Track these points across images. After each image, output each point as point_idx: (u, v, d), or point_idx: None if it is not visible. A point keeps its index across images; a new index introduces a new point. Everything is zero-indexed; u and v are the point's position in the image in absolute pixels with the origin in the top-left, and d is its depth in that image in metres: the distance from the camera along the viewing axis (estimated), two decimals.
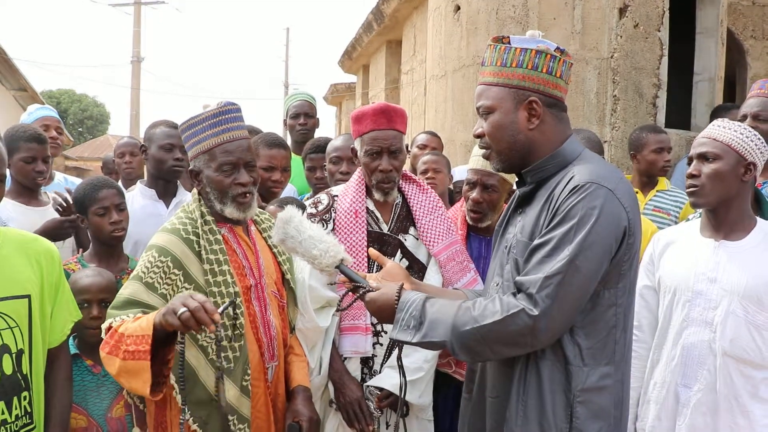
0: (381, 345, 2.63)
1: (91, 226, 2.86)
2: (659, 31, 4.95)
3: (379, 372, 2.61)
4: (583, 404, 1.79)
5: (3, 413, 1.96)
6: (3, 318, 1.98)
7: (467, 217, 2.98)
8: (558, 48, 1.90)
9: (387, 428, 2.63)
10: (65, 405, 2.22)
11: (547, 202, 1.83)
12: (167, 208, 3.44)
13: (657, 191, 3.93)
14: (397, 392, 2.51)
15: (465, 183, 3.01)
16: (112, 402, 2.50)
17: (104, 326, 2.14)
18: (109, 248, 2.88)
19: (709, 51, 5.35)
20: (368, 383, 2.59)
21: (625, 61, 4.92)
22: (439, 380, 2.74)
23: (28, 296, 2.06)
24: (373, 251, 2.19)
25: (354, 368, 2.61)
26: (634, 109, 4.94)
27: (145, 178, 3.62)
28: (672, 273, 2.52)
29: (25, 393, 2.03)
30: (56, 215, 3.14)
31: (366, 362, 2.62)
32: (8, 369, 1.98)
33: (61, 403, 2.20)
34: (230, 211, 2.33)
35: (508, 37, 1.91)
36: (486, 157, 2.00)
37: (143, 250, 3.14)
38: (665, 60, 4.98)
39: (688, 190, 2.49)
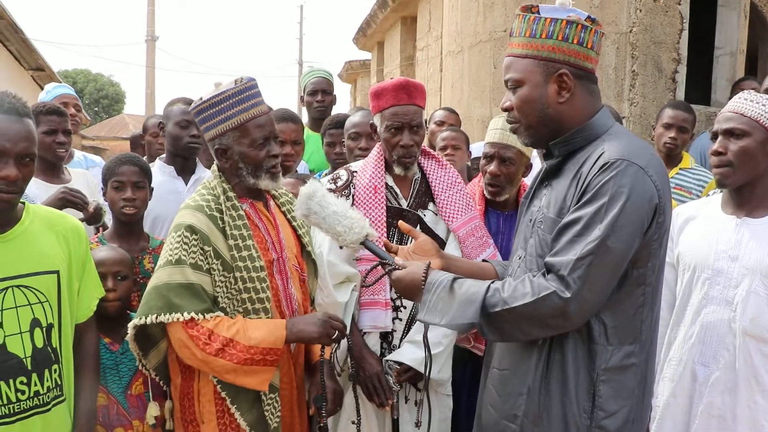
0: (400, 320, 2.64)
1: (107, 199, 2.88)
2: (680, 4, 4.89)
3: (399, 347, 2.63)
4: (607, 383, 1.78)
5: (36, 384, 2.02)
6: (34, 293, 2.03)
7: (485, 191, 2.97)
8: (589, 17, 1.83)
9: (406, 403, 2.65)
10: (93, 378, 2.28)
11: (575, 178, 1.79)
12: (186, 185, 3.47)
13: (680, 169, 3.84)
14: (416, 367, 2.54)
15: (482, 157, 2.99)
16: (131, 379, 2.51)
17: (174, 318, 2.16)
18: (128, 227, 2.88)
19: (731, 24, 5.27)
20: (387, 358, 2.60)
21: (644, 36, 4.86)
22: (458, 355, 2.76)
23: (57, 272, 2.10)
24: (404, 224, 2.17)
25: (373, 343, 2.62)
26: (653, 85, 4.89)
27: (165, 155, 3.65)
28: (691, 250, 2.48)
29: (56, 366, 2.08)
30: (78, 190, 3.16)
31: (385, 337, 2.64)
32: (39, 342, 2.03)
33: (89, 376, 2.26)
34: (265, 183, 2.36)
35: (537, 6, 1.85)
36: (514, 131, 1.96)
37: (162, 226, 3.18)
38: (685, 34, 4.91)
39: (714, 168, 2.42)
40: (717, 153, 2.39)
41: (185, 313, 2.16)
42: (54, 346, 2.08)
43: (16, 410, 1.97)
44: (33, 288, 2.03)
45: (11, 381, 1.96)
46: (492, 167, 2.89)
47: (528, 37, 1.84)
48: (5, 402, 1.95)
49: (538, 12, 1.84)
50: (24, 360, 2.00)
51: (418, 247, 2.08)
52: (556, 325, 1.74)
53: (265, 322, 2.25)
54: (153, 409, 2.47)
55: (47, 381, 2.05)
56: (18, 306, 1.99)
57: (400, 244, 2.61)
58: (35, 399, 2.01)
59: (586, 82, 1.86)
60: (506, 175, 2.89)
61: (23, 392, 1.98)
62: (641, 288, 1.79)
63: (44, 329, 2.05)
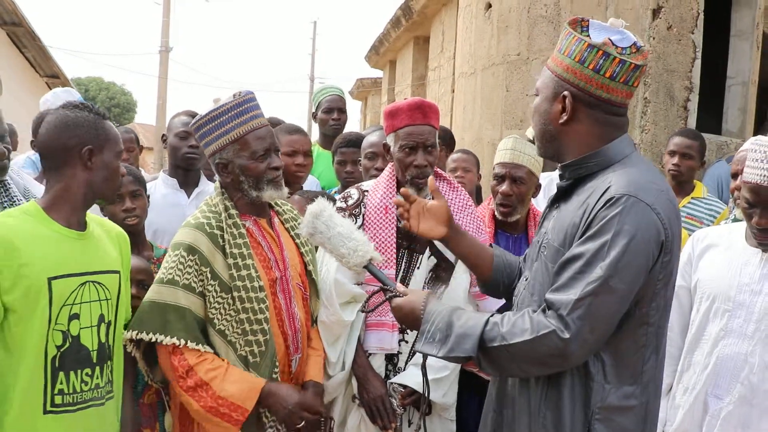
0: (406, 342, 2.61)
1: (107, 213, 2.85)
2: (693, 33, 4.90)
3: (404, 369, 2.61)
4: (602, 422, 1.72)
5: (97, 377, 2.09)
6: (103, 289, 2.12)
7: (496, 212, 2.98)
8: (635, 45, 1.74)
9: (409, 426, 2.62)
10: (132, 382, 2.36)
11: (581, 207, 1.74)
12: (188, 197, 3.47)
13: (692, 198, 3.83)
14: (420, 390, 2.51)
15: (492, 178, 3.00)
16: (144, 388, 2.52)
17: (163, 340, 2.17)
18: (131, 237, 2.76)
19: (744, 54, 5.28)
20: (392, 380, 2.58)
21: (657, 64, 4.86)
22: (464, 380, 2.72)
23: (118, 272, 2.20)
24: (431, 182, 2.12)
25: (378, 364, 2.60)
26: (664, 112, 4.89)
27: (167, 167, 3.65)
28: (712, 280, 2.45)
29: (109, 362, 2.15)
30: None
31: (390, 359, 2.62)
32: (103, 337, 2.12)
33: (129, 379, 2.33)
34: (269, 194, 2.33)
35: (588, 20, 1.78)
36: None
37: (163, 238, 3.17)
38: (698, 63, 4.91)
39: (760, 228, 2.29)
40: None
41: (168, 337, 2.17)
42: (110, 343, 2.15)
43: (78, 400, 2.04)
44: (103, 285, 2.12)
45: (79, 371, 2.04)
46: (504, 187, 2.91)
47: (558, 50, 1.81)
48: (71, 391, 2.02)
49: (588, 27, 1.77)
50: (91, 353, 2.07)
51: (432, 208, 2.06)
52: (555, 364, 1.69)
53: (244, 379, 2.22)
54: (169, 420, 2.47)
55: (105, 376, 2.12)
56: (91, 300, 2.07)
57: (409, 267, 2.62)
58: (95, 391, 2.08)
59: (597, 110, 1.77)
60: (518, 195, 2.90)
61: (86, 383, 2.06)
62: (643, 327, 1.73)
63: (106, 325, 2.13)
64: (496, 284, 2.16)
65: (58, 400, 1.99)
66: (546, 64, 1.86)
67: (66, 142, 2.03)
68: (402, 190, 2.11)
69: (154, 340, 2.18)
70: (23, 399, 1.94)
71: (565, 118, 1.78)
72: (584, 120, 1.79)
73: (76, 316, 2.03)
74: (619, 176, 1.72)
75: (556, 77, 1.80)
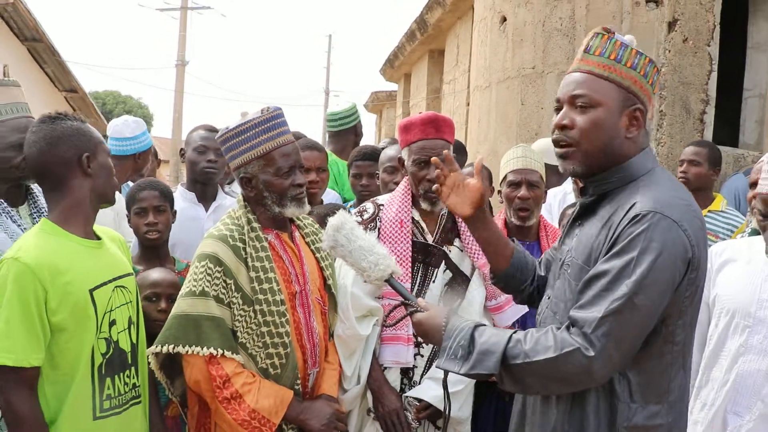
0: (422, 356, 2.61)
1: (132, 225, 2.93)
2: (709, 45, 4.88)
3: (419, 383, 2.60)
4: None
5: (133, 377, 2.18)
6: (128, 293, 2.19)
7: (515, 218, 3.05)
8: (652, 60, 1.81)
9: None
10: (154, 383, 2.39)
11: (606, 225, 1.72)
12: (206, 211, 3.49)
13: (709, 211, 3.80)
14: (436, 404, 2.51)
15: (506, 186, 3.08)
16: (168, 401, 2.55)
17: (199, 352, 2.17)
18: (154, 251, 2.91)
19: (761, 66, 5.24)
20: (407, 394, 2.58)
21: (673, 76, 4.85)
22: (481, 390, 2.72)
23: (132, 274, 2.27)
24: (478, 163, 2.07)
25: (393, 378, 2.59)
26: (680, 125, 4.87)
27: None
28: (731, 295, 2.42)
29: (138, 361, 2.22)
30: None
31: (406, 373, 2.61)
32: (134, 338, 2.20)
33: (154, 378, 2.37)
34: (291, 211, 2.36)
35: (614, 32, 1.79)
36: (564, 155, 1.82)
37: (181, 252, 3.20)
38: (714, 75, 4.89)
39: None
40: None
41: (205, 348, 2.18)
42: (137, 343, 2.22)
43: (123, 402, 2.12)
44: (127, 288, 2.19)
45: (121, 374, 2.12)
46: (522, 192, 3.01)
47: (613, 59, 1.76)
48: (116, 394, 2.10)
49: (613, 38, 1.77)
50: (128, 355, 2.15)
51: (468, 185, 2.03)
52: (578, 382, 1.67)
53: (275, 393, 2.25)
54: None
55: (138, 375, 2.21)
56: (121, 305, 2.15)
57: (424, 280, 2.62)
58: (133, 391, 2.17)
59: (645, 122, 1.81)
60: (534, 199, 3.02)
61: (127, 384, 2.15)
62: (669, 346, 1.71)
63: (133, 326, 2.20)
64: (510, 276, 2.12)
65: (106, 404, 2.06)
66: (588, 71, 1.78)
67: (63, 155, 2.03)
68: (445, 152, 2.08)
69: (190, 352, 2.19)
70: (74, 410, 1.99)
71: (635, 132, 1.77)
72: (641, 133, 1.81)
73: (114, 322, 2.10)
74: (644, 192, 1.70)
75: (621, 89, 1.76)
